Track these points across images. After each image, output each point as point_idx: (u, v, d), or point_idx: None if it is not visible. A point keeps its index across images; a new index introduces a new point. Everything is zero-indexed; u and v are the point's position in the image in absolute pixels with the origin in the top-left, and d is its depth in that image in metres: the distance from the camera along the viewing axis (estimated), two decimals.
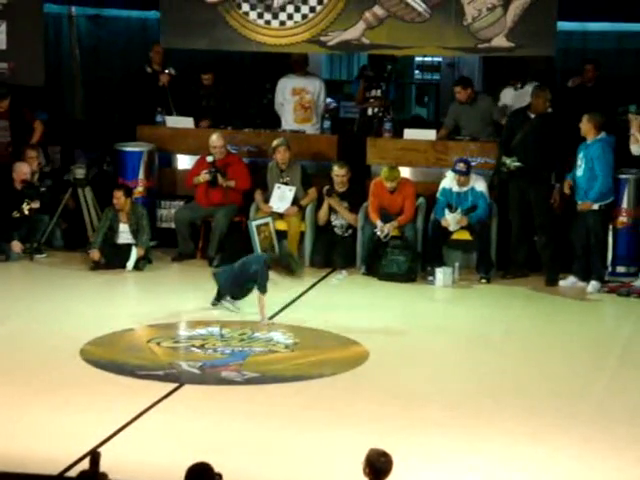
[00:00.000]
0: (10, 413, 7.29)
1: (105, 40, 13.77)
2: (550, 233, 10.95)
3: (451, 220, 10.92)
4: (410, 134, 11.87)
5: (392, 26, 11.58)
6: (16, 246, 11.36)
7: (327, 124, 12.41)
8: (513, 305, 10.41)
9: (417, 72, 15.45)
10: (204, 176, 11.59)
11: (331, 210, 11.48)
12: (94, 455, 5.37)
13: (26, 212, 11.39)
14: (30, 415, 7.27)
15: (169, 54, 12.62)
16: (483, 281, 11.00)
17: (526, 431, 7.17)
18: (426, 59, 15.17)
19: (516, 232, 11.11)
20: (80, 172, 11.77)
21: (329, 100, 13.31)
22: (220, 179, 11.57)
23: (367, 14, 11.60)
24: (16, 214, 11.42)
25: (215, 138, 11.68)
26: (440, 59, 14.99)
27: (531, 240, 11.16)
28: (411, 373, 8.32)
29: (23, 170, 11.57)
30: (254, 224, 11.37)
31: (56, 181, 11.97)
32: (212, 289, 9.76)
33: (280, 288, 10.13)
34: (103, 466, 5.21)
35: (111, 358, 8.43)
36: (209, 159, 11.64)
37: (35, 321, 9.41)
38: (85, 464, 6.08)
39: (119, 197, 11.21)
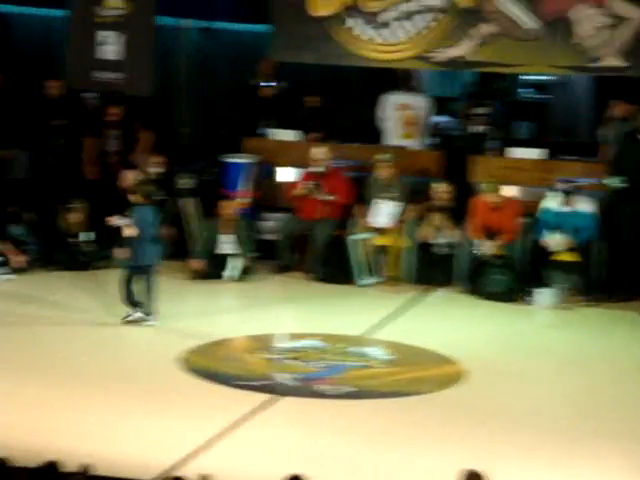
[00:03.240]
0: (108, 418, 7.40)
1: (214, 53, 13.95)
2: None
3: (551, 242, 10.77)
4: (515, 153, 11.76)
5: (500, 44, 11.50)
6: (120, 253, 11.53)
7: (431, 141, 12.36)
8: (617, 329, 10.21)
9: (523, 90, 15.30)
10: (303, 189, 11.66)
11: (433, 227, 11.43)
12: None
13: None
14: (127, 420, 7.38)
15: (279, 68, 12.73)
16: (587, 303, 10.81)
17: (622, 457, 7.02)
18: (535, 77, 15.01)
19: (625, 254, 10.89)
20: (185, 182, 11.94)
21: (440, 118, 13.27)
22: (319, 193, 11.61)
23: (475, 31, 11.54)
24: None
25: (318, 151, 11.74)
26: (549, 78, 14.83)
27: None
28: (508, 394, 8.22)
29: (130, 178, 11.77)
30: (354, 239, 11.38)
31: (162, 191, 12.14)
32: (310, 301, 9.76)
33: (378, 305, 10.14)
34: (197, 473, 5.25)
35: (209, 367, 8.52)
36: (312, 171, 11.69)
37: (135, 327, 9.54)
38: (180, 471, 6.16)
39: (225, 208, 11.33)
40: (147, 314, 9.54)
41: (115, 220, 9.63)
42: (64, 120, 12.18)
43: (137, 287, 9.56)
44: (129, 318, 9.49)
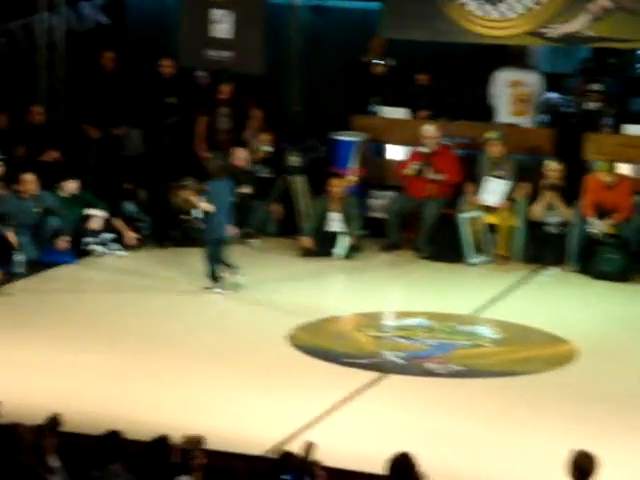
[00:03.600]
0: (220, 393, 7.51)
1: (326, 31, 13.93)
2: None
3: None
4: (630, 129, 11.52)
5: (618, 18, 11.25)
6: (231, 230, 11.66)
7: (544, 118, 12.18)
8: None
9: (639, 66, 14.95)
10: (412, 168, 11.61)
11: (545, 206, 11.26)
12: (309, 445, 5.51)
13: (240, 197, 11.68)
14: (239, 396, 7.47)
15: (388, 45, 12.67)
16: None
17: None
18: None
19: None
20: (294, 160, 11.99)
21: (552, 95, 13.05)
22: (429, 171, 11.54)
23: (592, 6, 11.31)
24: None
25: (428, 129, 11.67)
26: None
27: None
28: (620, 376, 8.09)
29: (240, 156, 11.88)
30: (464, 217, 11.29)
31: (271, 169, 12.21)
32: (419, 280, 9.70)
33: (488, 283, 10.05)
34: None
35: (318, 344, 8.56)
36: (422, 149, 11.64)
37: (246, 304, 9.64)
38: (289, 447, 6.22)
39: (337, 186, 11.36)
40: (215, 280, 9.81)
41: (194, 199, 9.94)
42: (177, 98, 12.32)
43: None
44: (238, 282, 9.74)
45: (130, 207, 11.49)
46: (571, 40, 11.67)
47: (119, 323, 9.05)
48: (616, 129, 11.64)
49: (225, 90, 12.31)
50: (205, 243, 9.94)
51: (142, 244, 11.27)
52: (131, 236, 11.18)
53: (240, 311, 9.48)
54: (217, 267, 9.86)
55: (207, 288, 9.85)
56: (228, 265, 9.90)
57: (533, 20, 11.56)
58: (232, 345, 8.55)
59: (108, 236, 11.05)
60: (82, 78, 12.49)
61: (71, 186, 11.16)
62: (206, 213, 9.86)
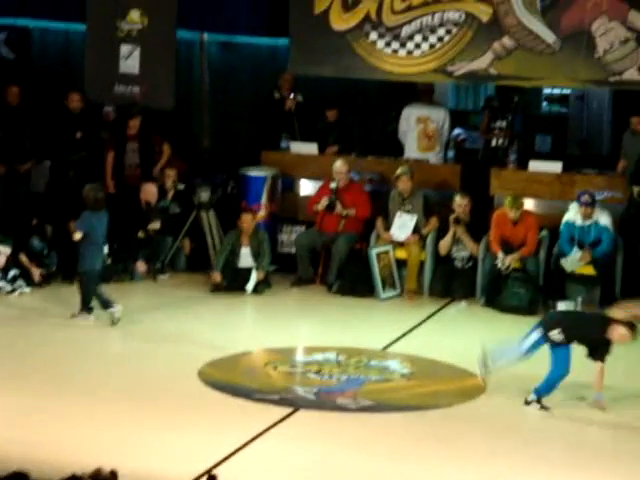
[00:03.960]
0: (128, 430, 7.41)
1: (235, 66, 13.99)
2: None
3: (569, 263, 10.73)
4: (535, 166, 11.74)
5: (521, 57, 11.49)
6: (140, 266, 11.59)
7: (451, 154, 12.37)
8: (635, 344, 10.13)
9: (545, 104, 15.30)
10: (323, 203, 11.67)
11: (453, 240, 11.40)
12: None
13: (150, 233, 11.63)
14: (148, 434, 7.38)
15: (297, 82, 12.76)
16: None
17: None
18: (554, 91, 15.01)
19: None
20: (205, 195, 11.96)
21: (458, 131, 13.25)
22: (339, 207, 11.62)
23: (496, 44, 11.54)
24: (141, 234, 11.66)
25: (339, 164, 11.75)
26: (569, 91, 14.81)
27: None
28: (526, 408, 8.17)
29: (149, 191, 11.82)
30: (374, 252, 11.37)
31: (181, 204, 12.16)
32: (329, 314, 9.72)
33: (397, 318, 10.11)
34: None
35: (228, 380, 8.51)
36: (332, 185, 11.71)
37: (155, 341, 9.55)
38: None
39: (247, 221, 11.35)
40: (85, 310, 9.94)
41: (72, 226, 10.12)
42: (85, 133, 12.21)
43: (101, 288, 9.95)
44: (114, 316, 9.78)
45: (36, 243, 11.33)
46: (476, 77, 11.89)
47: (24, 361, 8.87)
48: (521, 165, 11.85)
49: (134, 125, 12.24)
50: (80, 274, 9.95)
51: (47, 280, 11.09)
52: (35, 272, 11.01)
53: (149, 347, 9.38)
54: (89, 297, 9.88)
55: (74, 315, 9.89)
56: (102, 298, 9.89)
57: (439, 58, 11.74)
58: (141, 382, 8.44)
59: (13, 272, 10.87)
60: None
61: None
62: (80, 244, 9.82)
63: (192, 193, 12.10)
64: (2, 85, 12.28)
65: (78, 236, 9.85)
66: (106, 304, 9.87)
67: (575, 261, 10.79)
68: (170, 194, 12.02)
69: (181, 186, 12.06)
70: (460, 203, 11.37)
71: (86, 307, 9.97)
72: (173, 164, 12.40)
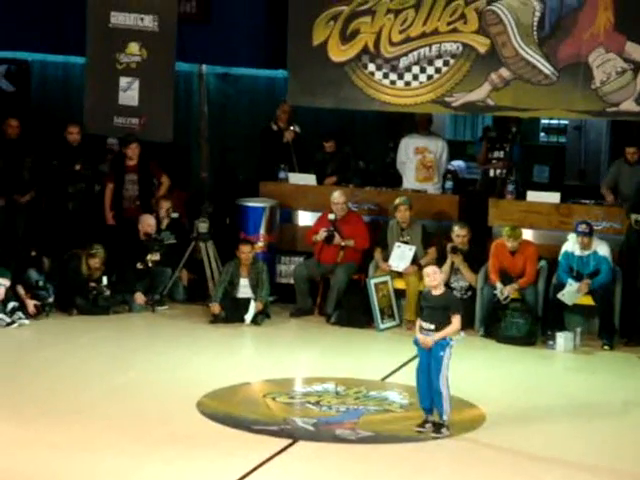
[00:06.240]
0: (127, 462, 7.38)
1: (233, 98, 14.04)
2: None
3: (567, 297, 10.74)
4: (533, 196, 11.76)
5: (518, 88, 11.54)
6: (139, 298, 11.59)
7: (449, 184, 12.39)
8: (635, 374, 10.14)
9: (543, 134, 15.35)
10: (322, 234, 11.68)
11: (451, 271, 11.40)
12: None
13: (149, 264, 11.63)
14: (146, 465, 7.35)
15: (295, 113, 12.81)
16: (605, 348, 10.78)
17: None
18: (552, 121, 15.06)
19: None
20: (203, 226, 11.97)
21: (456, 162, 13.29)
22: (337, 238, 11.64)
23: (493, 75, 11.59)
24: (140, 266, 11.66)
25: (337, 195, 11.78)
26: (567, 122, 14.86)
27: None
28: (529, 438, 8.15)
29: (148, 222, 11.83)
30: (373, 282, 11.37)
31: (179, 235, 12.17)
32: (328, 345, 9.70)
33: (396, 349, 10.09)
34: None
35: (227, 411, 8.49)
36: (330, 217, 11.73)
37: (154, 372, 9.53)
38: None
39: (246, 252, 11.36)
40: None
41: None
42: (83, 165, 12.23)
43: None
44: None
45: (34, 274, 11.32)
46: (473, 108, 11.93)
47: (22, 392, 8.85)
48: (519, 196, 11.88)
49: (132, 153, 12.24)
50: None
51: (42, 312, 11.06)
52: (30, 304, 11.00)
53: (147, 378, 9.36)
54: None
55: None
56: None
57: (437, 89, 11.79)
58: (139, 413, 8.42)
59: (12, 305, 10.86)
60: None
61: None
62: None
63: (191, 225, 12.10)
64: (1, 117, 12.31)
65: None
66: None
67: (573, 294, 10.78)
68: (164, 223, 12.03)
69: (175, 214, 12.07)
70: (459, 233, 11.38)
71: None
72: (173, 194, 12.43)
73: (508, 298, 11.01)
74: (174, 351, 10.20)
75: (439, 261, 11.44)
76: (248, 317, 11.20)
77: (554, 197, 11.72)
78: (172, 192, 12.50)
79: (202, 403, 8.62)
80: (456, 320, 8.02)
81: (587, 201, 11.73)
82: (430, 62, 11.76)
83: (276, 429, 8.10)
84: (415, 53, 11.79)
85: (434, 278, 8.10)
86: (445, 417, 8.00)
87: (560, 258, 11.02)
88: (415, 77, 11.85)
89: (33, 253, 11.51)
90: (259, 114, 13.51)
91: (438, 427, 8.01)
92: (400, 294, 11.50)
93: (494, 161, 12.62)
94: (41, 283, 11.22)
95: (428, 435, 8.05)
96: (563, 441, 8.21)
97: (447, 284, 11.38)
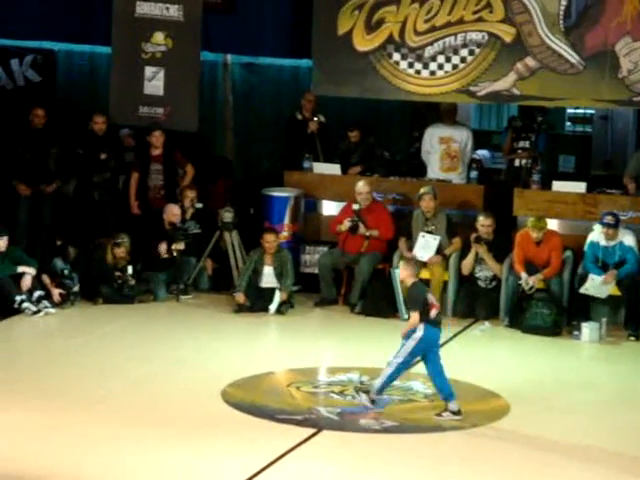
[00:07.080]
0: (152, 451, 7.41)
1: (258, 87, 14.04)
2: None
3: (592, 290, 10.68)
4: (559, 186, 11.71)
5: (544, 77, 11.49)
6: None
7: (474, 174, 12.34)
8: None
9: (569, 124, 15.27)
10: (346, 224, 11.67)
11: (476, 261, 11.38)
12: None
13: (174, 254, 11.66)
14: (170, 454, 7.38)
15: (319, 102, 12.79)
16: (631, 338, 10.73)
17: None
18: (578, 111, 14.98)
19: None
20: (228, 216, 11.98)
21: (481, 152, 13.23)
22: (362, 228, 11.62)
23: (519, 65, 11.54)
24: (164, 255, 11.69)
25: (361, 185, 11.76)
26: (593, 111, 14.78)
27: None
28: (553, 428, 8.13)
29: (173, 212, 11.86)
30: (397, 272, 11.35)
31: (200, 223, 12.18)
32: (352, 335, 9.70)
33: None
34: None
35: (251, 401, 8.50)
36: (354, 207, 11.71)
37: (178, 361, 9.56)
38: None
39: (270, 241, 11.36)
40: None
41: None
42: (109, 155, 12.26)
43: None
44: None
45: (59, 263, 11.37)
46: (499, 98, 11.89)
47: (49, 382, 8.90)
48: (545, 185, 11.82)
49: (157, 141, 12.25)
50: None
51: (67, 301, 11.11)
52: (55, 292, 11.05)
53: (172, 368, 9.39)
54: None
55: None
56: None
57: (462, 78, 11.75)
58: (164, 402, 8.45)
59: (38, 293, 10.92)
60: (12, 135, 12.38)
61: (0, 243, 11.03)
62: None
63: (215, 214, 12.11)
64: (28, 107, 12.36)
65: None
66: None
67: (597, 287, 10.73)
68: (189, 213, 12.04)
69: (199, 205, 12.09)
70: (484, 223, 11.35)
71: None
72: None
73: (533, 288, 10.97)
74: (198, 340, 10.23)
75: (463, 251, 11.43)
76: (273, 307, 11.22)
77: (580, 187, 11.66)
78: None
79: (227, 392, 8.64)
80: (412, 315, 8.27)
81: (613, 191, 11.67)
82: (455, 51, 11.72)
83: (300, 418, 8.12)
84: (440, 42, 11.76)
85: (401, 272, 8.52)
86: (373, 394, 8.28)
87: (586, 248, 10.97)
88: (440, 66, 11.81)
89: (59, 242, 11.57)
90: (284, 104, 13.50)
91: (456, 413, 8.13)
92: (425, 284, 11.45)
93: (519, 151, 12.55)
94: (66, 272, 11.27)
95: (448, 423, 8.05)
96: (587, 431, 8.19)
97: (472, 274, 11.38)
